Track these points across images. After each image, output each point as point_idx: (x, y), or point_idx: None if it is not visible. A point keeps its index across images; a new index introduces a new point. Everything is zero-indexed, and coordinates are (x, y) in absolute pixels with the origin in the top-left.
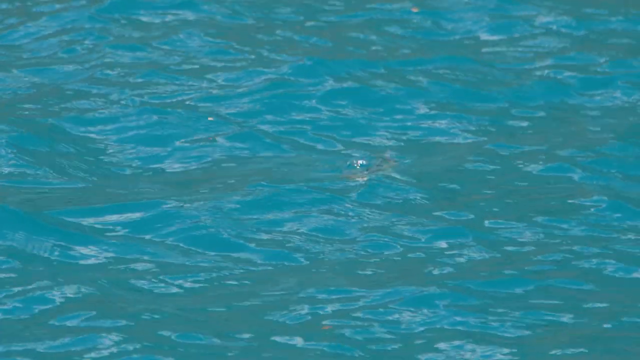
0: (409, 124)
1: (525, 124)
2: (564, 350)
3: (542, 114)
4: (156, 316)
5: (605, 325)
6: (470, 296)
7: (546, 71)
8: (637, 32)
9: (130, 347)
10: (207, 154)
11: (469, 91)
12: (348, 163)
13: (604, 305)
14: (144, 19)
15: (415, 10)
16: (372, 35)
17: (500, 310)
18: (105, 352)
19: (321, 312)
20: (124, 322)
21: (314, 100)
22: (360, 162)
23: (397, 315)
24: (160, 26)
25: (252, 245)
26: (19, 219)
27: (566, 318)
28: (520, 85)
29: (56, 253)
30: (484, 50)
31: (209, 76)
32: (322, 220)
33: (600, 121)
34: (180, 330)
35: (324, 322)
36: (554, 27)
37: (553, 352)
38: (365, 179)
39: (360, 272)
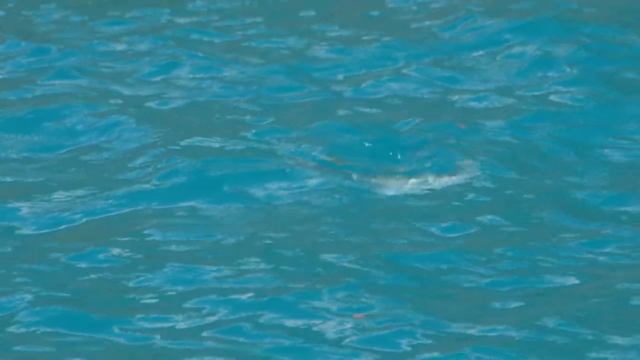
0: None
1: (476, 110)
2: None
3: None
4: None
5: (522, 328)
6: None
7: (500, 57)
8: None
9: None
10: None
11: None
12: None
13: (526, 307)
14: (126, 15)
15: None
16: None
17: (421, 299)
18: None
19: (242, 300)
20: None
21: (295, 104)
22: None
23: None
24: (137, 23)
25: (193, 229)
26: None
27: (489, 318)
28: (475, 72)
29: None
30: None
31: (180, 78)
32: (268, 205)
33: (547, 112)
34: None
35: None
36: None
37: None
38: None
39: (292, 251)
